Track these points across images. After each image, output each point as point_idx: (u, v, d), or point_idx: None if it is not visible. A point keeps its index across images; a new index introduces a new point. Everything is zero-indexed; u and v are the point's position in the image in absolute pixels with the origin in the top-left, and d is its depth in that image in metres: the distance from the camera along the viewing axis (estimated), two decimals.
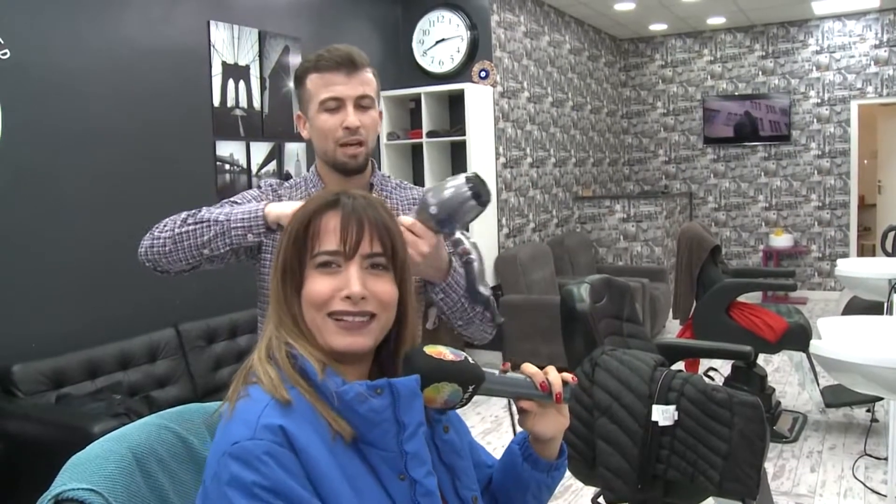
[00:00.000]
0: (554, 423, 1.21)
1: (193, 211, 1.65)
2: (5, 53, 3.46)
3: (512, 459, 1.25)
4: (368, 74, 1.73)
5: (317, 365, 1.04)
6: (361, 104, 1.71)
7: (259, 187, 1.82)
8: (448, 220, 1.32)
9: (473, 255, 1.38)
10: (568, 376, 1.20)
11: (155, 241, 1.64)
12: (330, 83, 1.68)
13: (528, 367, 1.20)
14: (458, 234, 1.36)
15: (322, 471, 0.96)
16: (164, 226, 1.65)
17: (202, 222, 1.61)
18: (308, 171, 1.85)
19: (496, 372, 1.17)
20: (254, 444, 0.93)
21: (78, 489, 0.96)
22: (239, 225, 1.56)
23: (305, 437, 0.97)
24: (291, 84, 5.15)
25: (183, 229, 1.62)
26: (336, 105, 1.68)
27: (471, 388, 1.11)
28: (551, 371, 1.20)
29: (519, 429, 1.27)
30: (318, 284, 1.08)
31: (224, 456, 0.93)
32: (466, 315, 1.62)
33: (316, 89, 1.69)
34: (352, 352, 1.09)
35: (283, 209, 1.51)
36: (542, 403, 1.19)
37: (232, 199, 1.77)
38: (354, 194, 1.14)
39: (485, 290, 1.46)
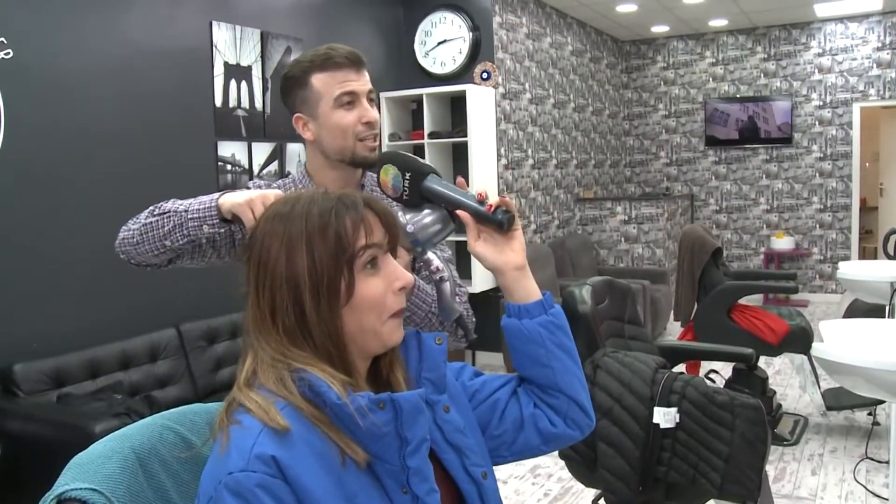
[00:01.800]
0: (500, 252, 1.24)
1: (164, 202, 1.63)
2: (8, 53, 3.47)
3: (511, 329, 1.24)
4: (367, 73, 1.75)
5: (339, 388, 1.00)
6: (370, 98, 1.73)
7: (248, 188, 1.77)
8: (424, 241, 1.36)
9: (445, 274, 1.40)
10: (510, 202, 1.24)
11: (126, 233, 1.64)
12: (343, 80, 1.69)
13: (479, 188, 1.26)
14: (429, 254, 1.37)
15: (317, 498, 0.94)
16: (138, 217, 1.64)
17: (164, 213, 1.58)
18: (296, 171, 1.83)
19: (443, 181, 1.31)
20: (246, 476, 0.92)
21: (80, 489, 0.96)
22: (195, 216, 1.53)
23: (301, 465, 0.94)
24: None
25: (149, 220, 1.60)
26: (351, 100, 1.69)
27: (408, 175, 1.33)
28: (497, 197, 1.24)
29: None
30: (372, 285, 1.05)
31: (220, 485, 0.92)
32: (436, 329, 1.64)
33: (327, 87, 1.68)
34: (398, 343, 1.11)
35: (236, 198, 1.47)
36: (478, 217, 1.23)
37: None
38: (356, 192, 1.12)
39: (458, 307, 1.47)
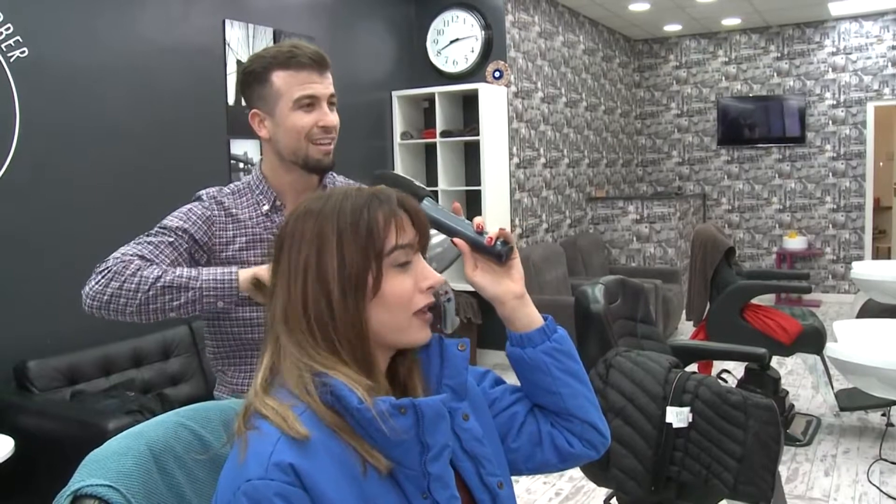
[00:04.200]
0: (499, 282, 1.22)
1: (143, 266, 1.58)
2: (23, 52, 3.49)
3: (516, 358, 1.24)
4: (330, 75, 1.71)
5: (364, 394, 0.99)
6: (331, 101, 1.70)
7: (200, 198, 1.75)
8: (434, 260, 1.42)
9: (451, 296, 1.43)
10: (509, 234, 1.22)
11: (112, 299, 1.58)
12: (305, 81, 1.65)
13: (476, 217, 1.25)
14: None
15: None
16: (122, 282, 1.57)
17: (169, 287, 1.54)
18: (250, 175, 1.80)
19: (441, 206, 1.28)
20: (265, 484, 0.91)
21: (96, 485, 0.96)
22: (211, 293, 1.53)
23: (320, 473, 0.94)
24: None
25: (150, 294, 1.55)
26: (311, 102, 1.66)
27: None
28: (495, 228, 1.23)
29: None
30: (401, 282, 1.06)
31: (238, 491, 0.92)
32: None
33: (287, 87, 1.65)
34: (424, 343, 1.10)
35: (258, 272, 1.46)
36: (476, 247, 1.22)
37: (174, 219, 1.69)
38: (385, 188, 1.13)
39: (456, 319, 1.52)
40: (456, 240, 1.24)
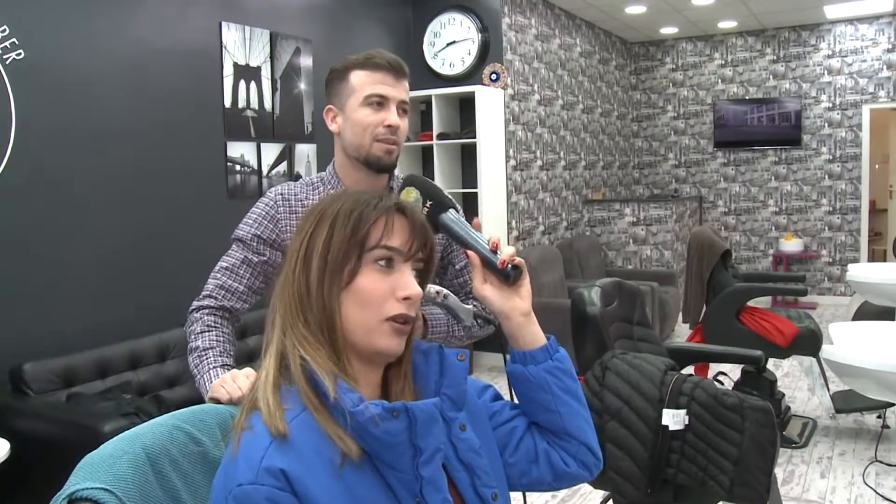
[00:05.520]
0: (507, 298, 1.24)
1: (198, 330, 1.74)
2: (19, 53, 3.48)
3: (517, 376, 1.25)
4: (407, 84, 1.78)
5: (328, 380, 1.00)
6: (402, 108, 1.76)
7: (266, 196, 1.83)
8: (444, 307, 1.50)
9: (445, 291, 1.49)
10: (521, 261, 1.25)
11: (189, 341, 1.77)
12: (379, 81, 1.72)
13: (492, 234, 1.28)
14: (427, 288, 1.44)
15: None
16: (188, 334, 1.76)
17: (191, 366, 1.71)
18: (325, 170, 1.87)
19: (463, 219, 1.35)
20: (255, 489, 0.92)
21: (92, 488, 0.96)
22: (200, 390, 1.65)
23: (311, 477, 0.94)
24: (303, 85, 5.15)
25: (189, 358, 1.73)
26: (380, 101, 1.72)
27: (429, 203, 1.35)
28: (510, 247, 1.26)
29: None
30: (376, 282, 1.06)
31: (230, 496, 0.93)
32: (458, 344, 1.77)
33: (361, 85, 1.72)
34: (393, 354, 1.09)
35: (213, 394, 1.46)
36: (487, 263, 1.25)
37: (243, 227, 1.80)
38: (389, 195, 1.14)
39: (469, 307, 1.57)
40: (469, 252, 1.27)
